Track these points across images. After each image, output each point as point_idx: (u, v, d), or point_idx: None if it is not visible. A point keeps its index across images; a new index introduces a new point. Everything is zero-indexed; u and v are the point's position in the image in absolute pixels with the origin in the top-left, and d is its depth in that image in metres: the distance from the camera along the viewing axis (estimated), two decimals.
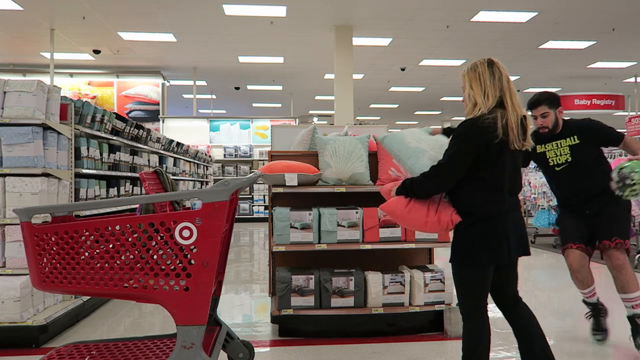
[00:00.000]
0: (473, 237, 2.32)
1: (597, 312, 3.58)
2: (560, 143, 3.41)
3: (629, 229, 3.40)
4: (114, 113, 5.06)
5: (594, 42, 11.18)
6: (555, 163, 3.43)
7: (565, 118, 3.48)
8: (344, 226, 3.56)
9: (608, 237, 3.25)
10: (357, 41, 10.44)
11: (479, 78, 2.34)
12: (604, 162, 3.42)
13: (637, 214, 6.50)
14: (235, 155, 14.09)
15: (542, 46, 11.45)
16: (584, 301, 3.59)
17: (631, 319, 3.32)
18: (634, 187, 2.89)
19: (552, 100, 3.36)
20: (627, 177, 2.90)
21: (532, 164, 11.57)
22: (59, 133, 3.76)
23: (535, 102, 3.37)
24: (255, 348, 2.81)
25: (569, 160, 3.37)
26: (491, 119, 2.25)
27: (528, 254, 2.44)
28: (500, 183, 2.32)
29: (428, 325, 3.66)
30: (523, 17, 9.51)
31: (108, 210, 4.50)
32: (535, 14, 9.34)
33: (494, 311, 4.38)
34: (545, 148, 3.45)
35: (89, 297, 4.05)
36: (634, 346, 3.28)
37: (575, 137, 3.35)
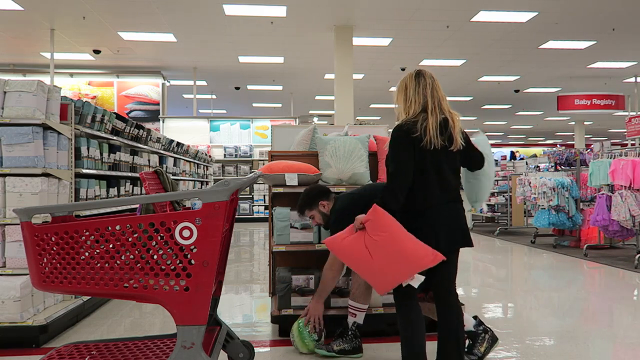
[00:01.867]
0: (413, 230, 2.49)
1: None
2: None
3: None
4: (114, 113, 5.06)
5: (594, 42, 11.18)
6: None
7: None
8: None
9: None
10: (357, 41, 10.43)
11: (405, 89, 2.65)
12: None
13: (638, 214, 6.50)
14: (236, 155, 14.09)
15: (542, 46, 11.45)
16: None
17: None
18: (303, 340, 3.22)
19: (309, 202, 3.24)
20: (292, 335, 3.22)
21: (532, 165, 11.52)
22: (59, 133, 3.76)
23: (299, 209, 3.29)
24: (255, 348, 2.81)
25: None
26: (411, 123, 2.52)
27: (467, 245, 2.62)
28: (429, 180, 2.53)
29: (428, 325, 3.64)
30: (523, 17, 9.51)
31: (108, 210, 4.50)
32: (535, 14, 9.34)
33: (494, 311, 4.39)
34: None
35: (89, 297, 4.05)
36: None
37: None
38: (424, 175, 2.54)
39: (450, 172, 2.62)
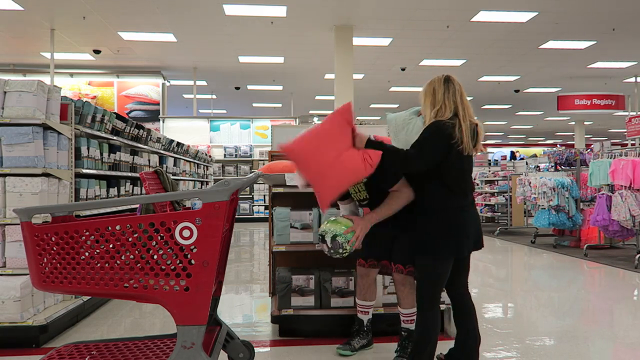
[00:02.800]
0: (440, 230, 2.60)
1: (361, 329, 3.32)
2: None
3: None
4: (114, 113, 5.06)
5: (594, 42, 11.18)
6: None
7: None
8: None
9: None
10: (357, 41, 10.43)
11: (433, 92, 2.72)
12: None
13: (638, 214, 6.50)
14: (236, 155, 14.09)
15: (542, 46, 11.45)
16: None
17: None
18: (344, 254, 2.82)
19: None
20: (340, 247, 2.78)
21: (532, 165, 11.50)
22: (59, 133, 3.76)
23: None
24: (255, 348, 2.81)
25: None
26: (450, 125, 2.59)
27: (482, 246, 2.78)
28: (461, 182, 2.66)
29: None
30: (523, 17, 9.51)
31: (108, 210, 4.50)
32: (535, 14, 9.34)
33: (494, 311, 4.39)
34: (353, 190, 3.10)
35: (89, 297, 4.05)
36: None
37: None
38: (460, 178, 2.67)
39: (471, 177, 2.79)
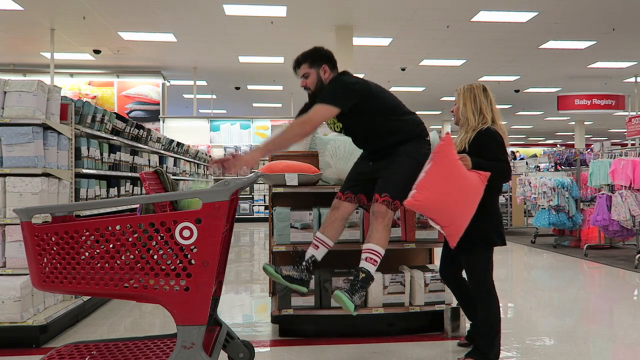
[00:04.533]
0: (495, 222, 2.95)
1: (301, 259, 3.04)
2: None
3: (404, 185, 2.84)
4: (114, 113, 5.06)
5: (594, 42, 11.18)
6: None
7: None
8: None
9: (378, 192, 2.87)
10: (357, 41, 10.43)
11: (474, 98, 2.99)
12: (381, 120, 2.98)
13: (638, 214, 6.50)
14: None
15: (542, 46, 11.45)
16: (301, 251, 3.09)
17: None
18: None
19: (314, 58, 3.00)
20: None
21: (532, 165, 11.49)
22: (59, 133, 3.76)
23: (296, 62, 3.04)
24: (255, 348, 2.81)
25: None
26: (498, 131, 2.95)
27: None
28: (509, 177, 3.03)
29: (428, 325, 3.66)
30: (523, 17, 9.51)
31: (108, 210, 4.50)
32: (535, 14, 9.34)
33: None
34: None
35: (89, 297, 4.05)
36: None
37: None
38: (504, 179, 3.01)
39: None
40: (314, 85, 2.97)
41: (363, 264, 2.78)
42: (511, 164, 12.59)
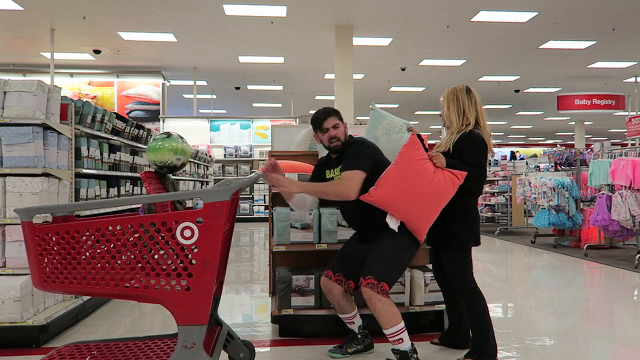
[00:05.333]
0: (469, 225, 2.98)
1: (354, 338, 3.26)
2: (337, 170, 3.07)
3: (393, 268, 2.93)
4: (114, 113, 5.06)
5: (594, 42, 11.18)
6: None
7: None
8: (344, 226, 3.56)
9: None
10: (357, 41, 10.43)
11: (457, 100, 3.01)
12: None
13: (638, 214, 6.50)
14: (236, 155, 14.09)
15: (542, 46, 11.45)
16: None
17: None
18: None
19: (338, 113, 3.11)
20: None
21: (532, 165, 11.50)
22: (59, 133, 3.76)
23: (326, 113, 3.06)
24: (255, 348, 2.81)
25: None
26: (480, 133, 2.95)
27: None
28: (482, 185, 3.03)
29: (428, 325, 3.66)
30: (523, 17, 9.51)
31: (108, 210, 4.50)
32: (535, 14, 9.34)
33: (494, 311, 4.39)
34: (334, 173, 3.10)
35: (89, 297, 4.05)
36: None
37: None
38: (483, 181, 3.02)
39: None
40: (343, 136, 3.09)
41: (393, 347, 2.84)
42: (511, 164, 12.53)
